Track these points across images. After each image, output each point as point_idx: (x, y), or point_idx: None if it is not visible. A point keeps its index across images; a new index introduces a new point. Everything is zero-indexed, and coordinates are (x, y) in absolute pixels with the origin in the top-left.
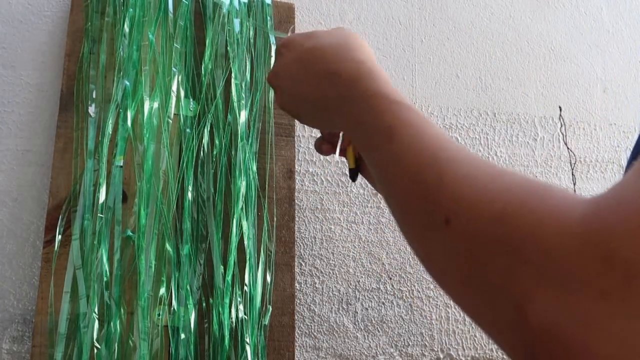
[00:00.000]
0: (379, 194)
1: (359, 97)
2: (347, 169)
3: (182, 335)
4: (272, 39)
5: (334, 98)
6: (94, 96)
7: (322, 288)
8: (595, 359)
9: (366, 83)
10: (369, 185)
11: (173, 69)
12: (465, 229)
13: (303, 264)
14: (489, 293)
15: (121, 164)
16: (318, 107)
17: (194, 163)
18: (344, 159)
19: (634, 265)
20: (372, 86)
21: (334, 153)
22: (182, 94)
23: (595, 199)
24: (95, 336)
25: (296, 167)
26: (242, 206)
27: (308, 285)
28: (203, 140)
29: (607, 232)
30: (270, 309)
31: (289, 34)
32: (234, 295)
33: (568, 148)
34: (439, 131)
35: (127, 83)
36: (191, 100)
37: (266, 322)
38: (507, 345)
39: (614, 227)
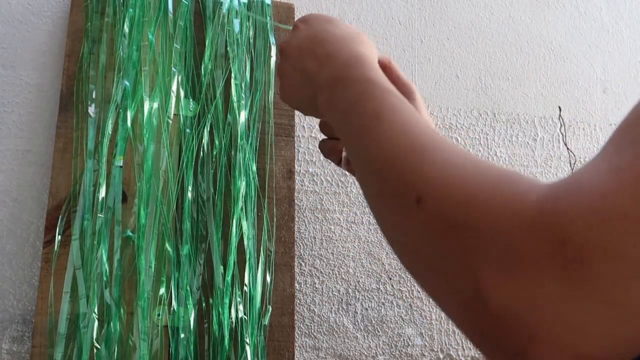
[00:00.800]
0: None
1: (352, 80)
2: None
3: (182, 336)
4: (272, 39)
5: (329, 79)
6: (93, 96)
7: (322, 288)
8: (545, 340)
9: (360, 70)
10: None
11: (173, 69)
12: (434, 209)
13: (303, 264)
14: (451, 274)
15: (121, 164)
16: (312, 85)
17: (193, 163)
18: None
19: (584, 248)
20: (365, 73)
21: (338, 164)
22: (182, 94)
23: (553, 184)
24: (95, 336)
25: (296, 167)
26: (242, 206)
27: (308, 285)
28: (203, 141)
29: (559, 215)
30: (270, 309)
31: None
32: (234, 295)
33: (568, 148)
34: (424, 120)
35: (127, 83)
36: (191, 100)
37: (266, 322)
38: (466, 325)
39: (566, 210)
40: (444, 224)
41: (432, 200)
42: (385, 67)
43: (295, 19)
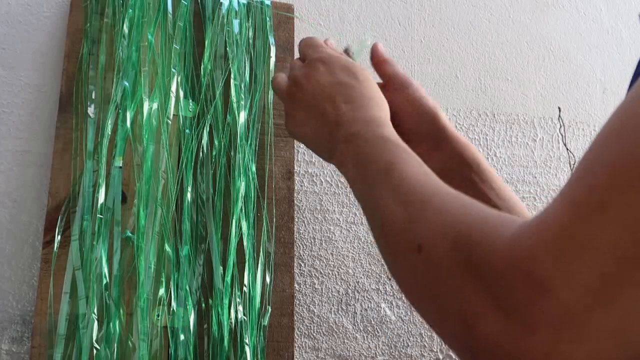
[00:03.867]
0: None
1: (368, 138)
2: None
3: (182, 336)
4: (271, 40)
5: (348, 135)
6: (93, 97)
7: (322, 289)
8: None
9: (381, 128)
10: None
11: (172, 69)
12: (431, 256)
13: (302, 264)
14: (447, 311)
15: (120, 165)
16: (330, 133)
17: (193, 164)
18: None
19: (548, 280)
20: (383, 131)
21: None
22: (182, 94)
23: (523, 223)
24: (94, 337)
25: (295, 167)
26: (242, 207)
27: (307, 285)
28: (202, 141)
29: (525, 251)
30: (270, 309)
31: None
32: (234, 296)
33: (567, 149)
34: (429, 172)
35: (127, 84)
36: (190, 101)
37: (265, 323)
38: (461, 356)
39: (531, 245)
40: (436, 267)
41: (430, 248)
42: (381, 63)
43: (295, 19)
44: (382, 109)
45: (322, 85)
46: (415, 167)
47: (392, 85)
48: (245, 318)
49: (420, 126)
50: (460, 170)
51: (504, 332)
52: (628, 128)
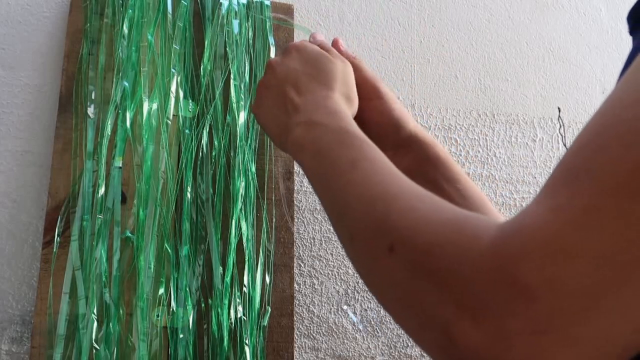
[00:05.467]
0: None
1: (330, 128)
2: None
3: (181, 336)
4: (271, 40)
5: (306, 120)
6: (93, 97)
7: (321, 289)
8: None
9: (339, 121)
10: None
11: (172, 69)
12: (404, 257)
13: (302, 264)
14: (422, 317)
15: (120, 165)
16: (287, 117)
17: (193, 164)
18: None
19: (533, 287)
20: (342, 125)
21: None
22: (181, 94)
23: (502, 226)
24: (94, 337)
25: (295, 167)
26: (241, 207)
27: (307, 286)
28: (202, 141)
29: (507, 258)
30: (269, 310)
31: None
32: (233, 296)
33: (567, 149)
34: (394, 168)
35: (126, 84)
36: (190, 101)
37: (265, 323)
38: None
39: (513, 252)
40: (413, 271)
41: (403, 249)
42: (355, 68)
43: (295, 19)
44: (351, 104)
45: (289, 70)
46: (381, 164)
47: (360, 92)
48: (245, 318)
49: (385, 135)
50: (425, 172)
51: (486, 340)
52: (612, 133)
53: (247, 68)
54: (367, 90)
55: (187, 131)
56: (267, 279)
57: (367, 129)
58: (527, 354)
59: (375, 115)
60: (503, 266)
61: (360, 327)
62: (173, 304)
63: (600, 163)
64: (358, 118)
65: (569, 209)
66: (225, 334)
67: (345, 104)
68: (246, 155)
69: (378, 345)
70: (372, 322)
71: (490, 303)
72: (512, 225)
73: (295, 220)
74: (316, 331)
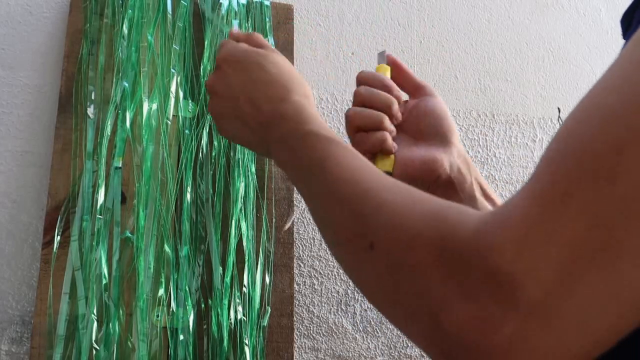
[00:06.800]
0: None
1: (293, 134)
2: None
3: (181, 337)
4: (271, 40)
5: (272, 140)
6: (92, 97)
7: (321, 289)
8: (494, 358)
9: (299, 123)
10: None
11: (172, 70)
12: (386, 253)
13: (302, 265)
14: (409, 308)
15: (120, 165)
16: (255, 133)
17: (192, 164)
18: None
19: (516, 276)
20: (304, 127)
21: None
22: (181, 95)
23: (485, 215)
24: (94, 337)
25: None
26: (241, 207)
27: (307, 286)
28: (202, 142)
29: (490, 248)
30: (269, 310)
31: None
32: (233, 296)
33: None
34: (365, 162)
35: (126, 84)
36: (190, 101)
37: (265, 324)
38: (429, 351)
39: (496, 242)
40: (396, 266)
41: (383, 245)
42: (406, 74)
43: (294, 19)
44: (304, 91)
45: (234, 89)
46: (349, 159)
47: (419, 93)
48: (245, 318)
49: (431, 127)
50: (461, 182)
51: (471, 324)
52: (590, 121)
53: None
54: (415, 89)
55: (187, 131)
56: (267, 279)
57: (419, 122)
58: (512, 340)
59: (429, 114)
60: (485, 254)
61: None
62: (173, 304)
63: (577, 150)
64: (414, 115)
65: (548, 195)
66: (225, 334)
67: (304, 99)
68: (246, 156)
69: (378, 345)
70: (372, 322)
71: (475, 290)
72: (494, 213)
73: (295, 220)
74: (316, 331)
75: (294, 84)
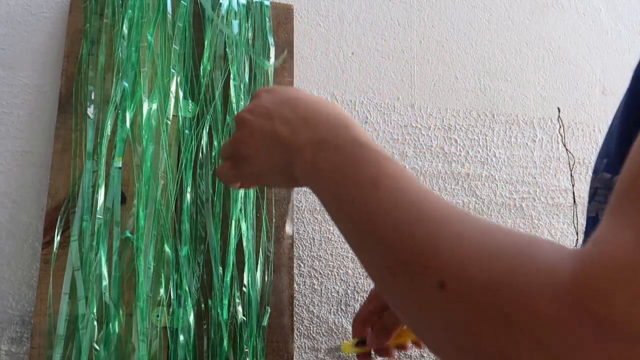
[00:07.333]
0: None
1: (339, 143)
2: None
3: (181, 337)
4: (271, 41)
5: (310, 141)
6: (92, 97)
7: (321, 289)
8: None
9: (346, 131)
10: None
11: (172, 70)
12: (458, 295)
13: (302, 265)
14: (482, 355)
15: (120, 165)
16: (287, 150)
17: (192, 164)
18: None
19: (632, 329)
20: (353, 135)
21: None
22: (181, 95)
23: (580, 255)
24: (94, 337)
25: None
26: (241, 207)
27: (307, 286)
28: (202, 142)
29: (596, 294)
30: (269, 310)
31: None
32: (233, 296)
33: (567, 149)
34: (425, 187)
35: (126, 84)
36: (190, 101)
37: (265, 324)
38: None
39: (602, 287)
40: (471, 309)
41: (456, 285)
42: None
43: (294, 19)
44: (345, 116)
45: (269, 108)
46: (406, 180)
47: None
48: (245, 318)
49: None
50: None
51: None
52: None
53: (247, 68)
54: None
55: (186, 131)
56: (267, 279)
57: None
58: None
59: None
60: (591, 301)
61: None
62: (173, 304)
63: None
64: None
65: None
66: (225, 334)
67: (341, 110)
68: None
69: None
70: None
71: (575, 347)
72: (591, 253)
73: (295, 220)
74: (316, 331)
75: (329, 103)
